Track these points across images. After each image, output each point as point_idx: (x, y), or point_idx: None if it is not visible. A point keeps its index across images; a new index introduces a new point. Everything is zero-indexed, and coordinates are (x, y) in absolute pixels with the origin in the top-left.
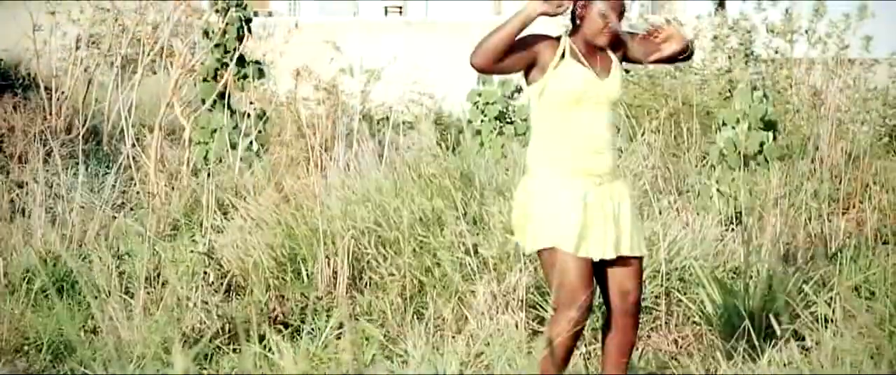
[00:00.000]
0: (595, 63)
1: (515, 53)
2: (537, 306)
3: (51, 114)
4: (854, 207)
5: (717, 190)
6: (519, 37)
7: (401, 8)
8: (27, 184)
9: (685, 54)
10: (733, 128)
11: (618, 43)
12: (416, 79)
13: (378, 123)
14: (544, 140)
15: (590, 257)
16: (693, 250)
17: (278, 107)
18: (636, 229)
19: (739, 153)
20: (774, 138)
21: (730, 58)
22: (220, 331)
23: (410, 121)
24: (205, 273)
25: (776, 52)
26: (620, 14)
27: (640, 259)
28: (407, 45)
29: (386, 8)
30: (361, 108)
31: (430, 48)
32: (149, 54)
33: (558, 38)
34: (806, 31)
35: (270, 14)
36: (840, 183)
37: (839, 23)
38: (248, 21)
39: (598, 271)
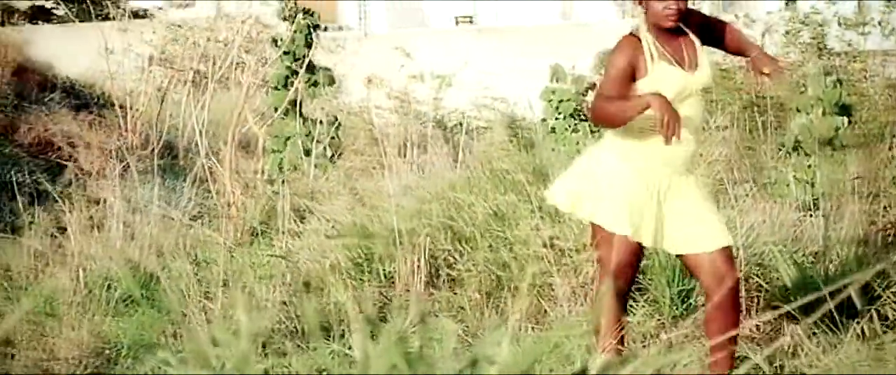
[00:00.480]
0: (680, 54)
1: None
2: None
3: (126, 130)
4: None
5: (794, 176)
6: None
7: (471, 18)
8: (105, 199)
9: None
10: (807, 114)
11: (694, 23)
12: (488, 85)
13: (451, 129)
14: (631, 128)
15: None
16: (771, 236)
17: (350, 115)
18: (717, 219)
19: (815, 139)
20: (849, 123)
21: (802, 52)
22: (299, 331)
23: (484, 125)
24: (282, 275)
25: (849, 45)
26: None
27: (727, 246)
28: (478, 51)
29: (456, 18)
30: (434, 115)
31: (501, 54)
32: (220, 69)
33: (638, 38)
34: (879, 23)
35: (341, 28)
36: None
37: None
38: (316, 28)
39: (689, 261)
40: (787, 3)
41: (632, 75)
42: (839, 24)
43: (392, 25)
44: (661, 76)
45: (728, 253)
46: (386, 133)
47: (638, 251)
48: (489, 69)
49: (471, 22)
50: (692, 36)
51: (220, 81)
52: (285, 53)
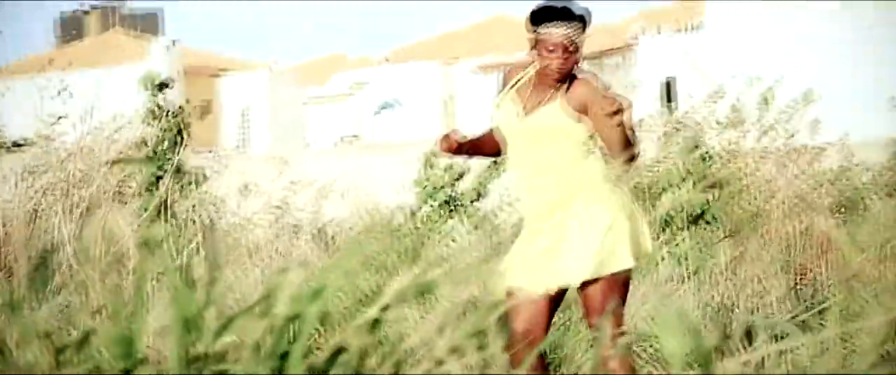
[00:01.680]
0: (534, 97)
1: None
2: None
3: None
4: (807, 273)
5: (667, 252)
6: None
7: (355, 136)
8: None
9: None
10: (677, 188)
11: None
12: (369, 194)
13: (332, 240)
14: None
15: (538, 292)
16: (643, 305)
17: (227, 232)
18: (603, 247)
19: (685, 213)
20: (718, 198)
21: (679, 155)
22: None
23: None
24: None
25: (729, 144)
26: (567, 49)
27: (612, 277)
28: (360, 165)
29: (341, 137)
30: (312, 224)
31: (384, 166)
32: (92, 186)
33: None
34: (755, 122)
35: (211, 151)
36: (791, 253)
37: (787, 109)
38: (186, 128)
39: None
40: (662, 105)
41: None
42: (717, 124)
43: (274, 146)
44: (501, 108)
45: (606, 284)
46: (258, 244)
47: (535, 309)
48: (371, 180)
49: (355, 139)
50: (562, 94)
51: (93, 198)
52: (153, 155)
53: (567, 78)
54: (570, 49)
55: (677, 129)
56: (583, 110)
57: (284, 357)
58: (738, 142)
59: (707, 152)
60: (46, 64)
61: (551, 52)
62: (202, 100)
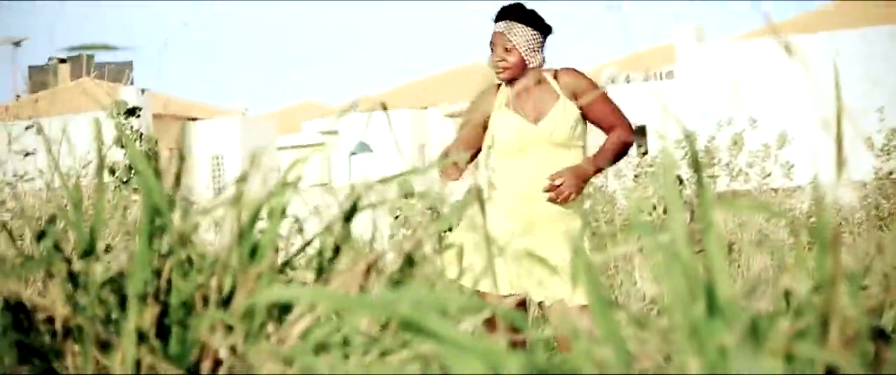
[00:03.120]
0: (529, 107)
1: (472, 137)
2: None
3: None
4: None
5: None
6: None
7: (324, 184)
8: None
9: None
10: (650, 215)
11: (565, 83)
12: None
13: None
14: (494, 180)
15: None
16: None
17: None
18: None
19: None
20: (690, 221)
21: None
22: None
23: None
24: None
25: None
26: (504, 47)
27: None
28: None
29: (309, 186)
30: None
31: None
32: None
33: (499, 86)
34: (727, 165)
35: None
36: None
37: (758, 152)
38: (156, 157)
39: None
40: (637, 148)
41: (483, 118)
42: (688, 167)
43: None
44: (499, 121)
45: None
46: None
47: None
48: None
49: (324, 186)
50: (558, 90)
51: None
52: (123, 181)
53: (516, 76)
54: (507, 47)
55: (649, 170)
56: (574, 97)
57: (254, 252)
58: (711, 185)
59: (679, 177)
60: (14, 109)
61: (492, 50)
62: (172, 147)
